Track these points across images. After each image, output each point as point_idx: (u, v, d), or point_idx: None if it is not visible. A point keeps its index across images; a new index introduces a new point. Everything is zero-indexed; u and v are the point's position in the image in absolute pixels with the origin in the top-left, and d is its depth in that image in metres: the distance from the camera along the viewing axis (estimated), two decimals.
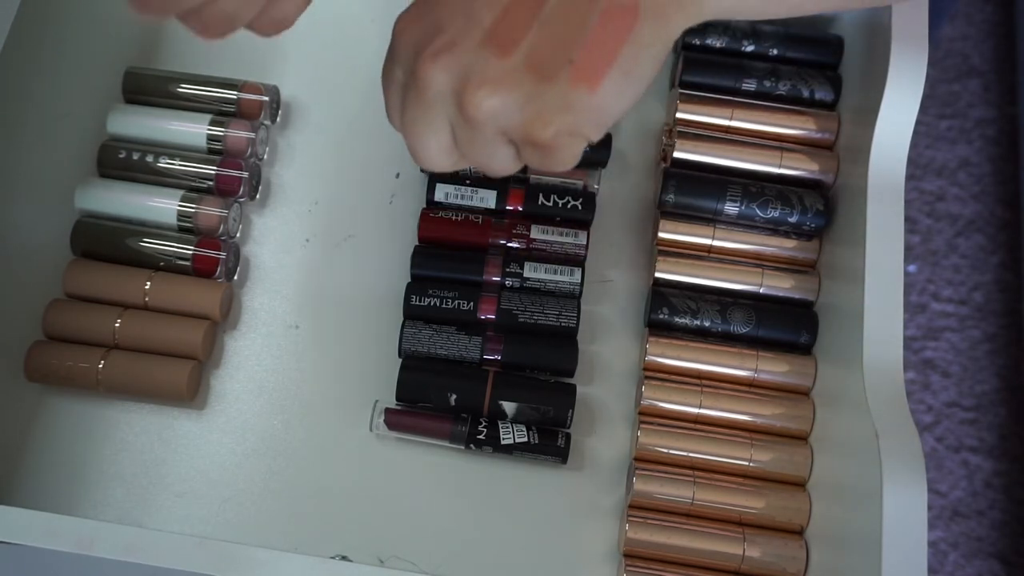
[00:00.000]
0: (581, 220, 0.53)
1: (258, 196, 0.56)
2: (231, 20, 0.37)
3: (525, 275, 0.52)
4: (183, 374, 0.50)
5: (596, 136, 0.35)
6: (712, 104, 0.54)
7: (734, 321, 0.51)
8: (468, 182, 0.53)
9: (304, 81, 0.58)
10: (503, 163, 0.37)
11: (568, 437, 0.50)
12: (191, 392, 0.51)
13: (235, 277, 0.54)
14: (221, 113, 0.55)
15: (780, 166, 0.53)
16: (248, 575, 0.41)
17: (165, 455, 0.51)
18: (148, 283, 0.52)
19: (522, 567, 0.49)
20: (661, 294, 0.52)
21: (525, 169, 0.54)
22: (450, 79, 0.35)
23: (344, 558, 0.49)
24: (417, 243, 0.53)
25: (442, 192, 0.53)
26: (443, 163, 0.38)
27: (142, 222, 0.53)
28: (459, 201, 0.53)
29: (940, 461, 1.19)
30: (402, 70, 0.37)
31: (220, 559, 0.41)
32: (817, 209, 0.52)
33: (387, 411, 0.50)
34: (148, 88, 0.55)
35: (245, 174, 0.54)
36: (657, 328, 0.52)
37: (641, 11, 0.34)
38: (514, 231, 0.53)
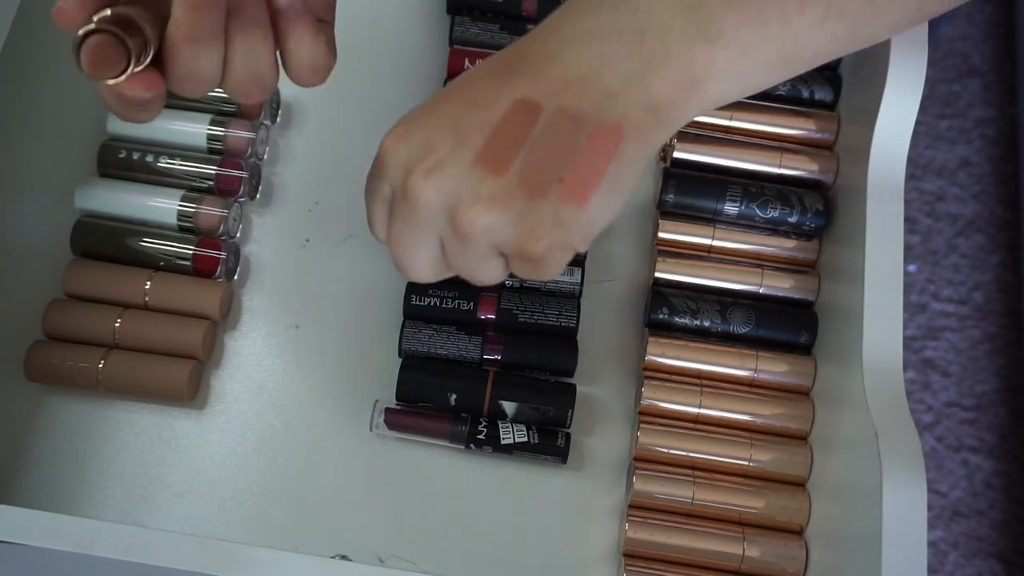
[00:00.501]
0: None
1: (258, 196, 0.56)
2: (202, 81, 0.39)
3: None
4: (183, 374, 0.50)
5: (584, 247, 0.37)
6: None
7: (734, 321, 0.52)
8: None
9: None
10: (492, 274, 0.39)
11: (568, 437, 0.50)
12: (191, 392, 0.51)
13: (235, 277, 0.54)
14: (221, 113, 0.55)
15: (780, 166, 0.53)
16: (248, 575, 0.41)
17: (165, 455, 0.51)
18: (148, 283, 0.52)
19: (522, 567, 0.49)
20: (661, 294, 0.52)
21: None
22: (442, 197, 0.36)
23: (344, 558, 0.49)
24: None
25: None
26: (430, 275, 0.40)
27: (142, 222, 0.53)
28: None
29: (940, 461, 1.19)
30: (390, 186, 0.38)
31: (220, 559, 0.41)
32: (817, 209, 0.52)
33: (387, 411, 0.50)
34: None
35: (245, 174, 0.54)
36: (657, 328, 0.52)
37: (624, 132, 0.36)
38: None
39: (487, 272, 0.39)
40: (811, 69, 0.41)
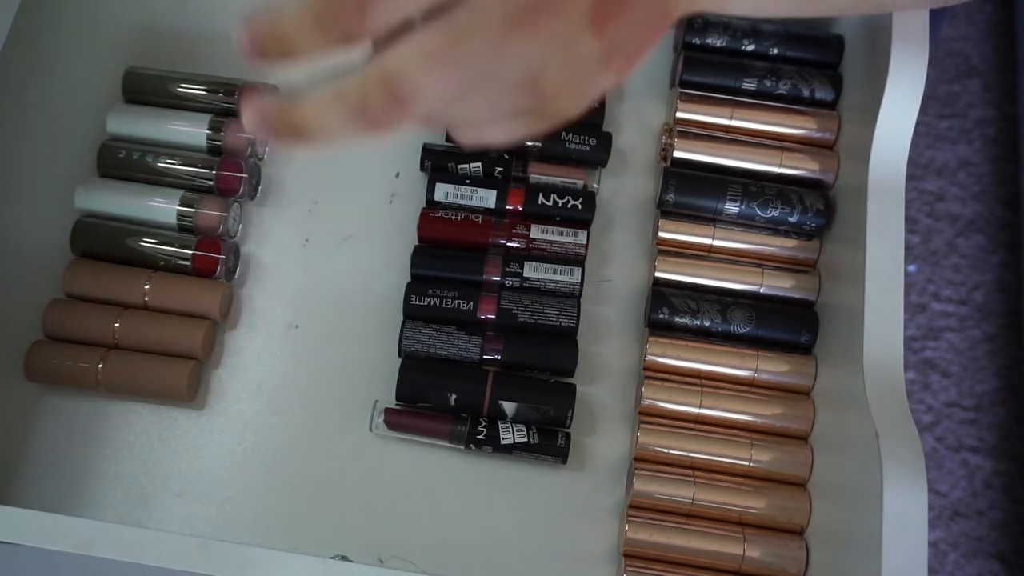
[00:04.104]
0: (581, 220, 0.53)
1: (258, 196, 0.56)
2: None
3: (525, 275, 0.52)
4: (183, 374, 0.50)
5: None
6: (712, 103, 0.54)
7: (734, 321, 0.51)
8: (468, 182, 0.53)
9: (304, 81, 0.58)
10: (502, 133, 0.36)
11: (568, 437, 0.50)
12: (191, 392, 0.51)
13: (235, 277, 0.54)
14: (221, 113, 0.55)
15: (780, 166, 0.53)
16: (248, 575, 0.41)
17: (165, 455, 0.51)
18: (148, 283, 0.52)
19: (522, 567, 0.49)
20: (661, 294, 0.52)
21: (525, 168, 0.54)
22: (545, 48, 0.33)
23: (344, 558, 0.49)
24: (417, 243, 0.53)
25: (442, 192, 0.53)
26: (431, 107, 0.33)
27: (142, 222, 0.53)
28: (459, 201, 0.53)
29: (940, 461, 1.19)
30: (479, 6, 0.31)
31: (220, 559, 0.41)
32: (817, 209, 0.52)
33: (387, 411, 0.50)
34: (148, 88, 0.55)
35: (245, 174, 0.54)
36: (657, 328, 0.52)
37: (672, 19, 0.36)
38: (514, 231, 0.53)
39: (498, 130, 0.36)
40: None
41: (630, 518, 0.48)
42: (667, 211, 0.53)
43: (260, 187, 0.56)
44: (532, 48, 0.33)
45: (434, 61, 0.31)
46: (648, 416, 0.51)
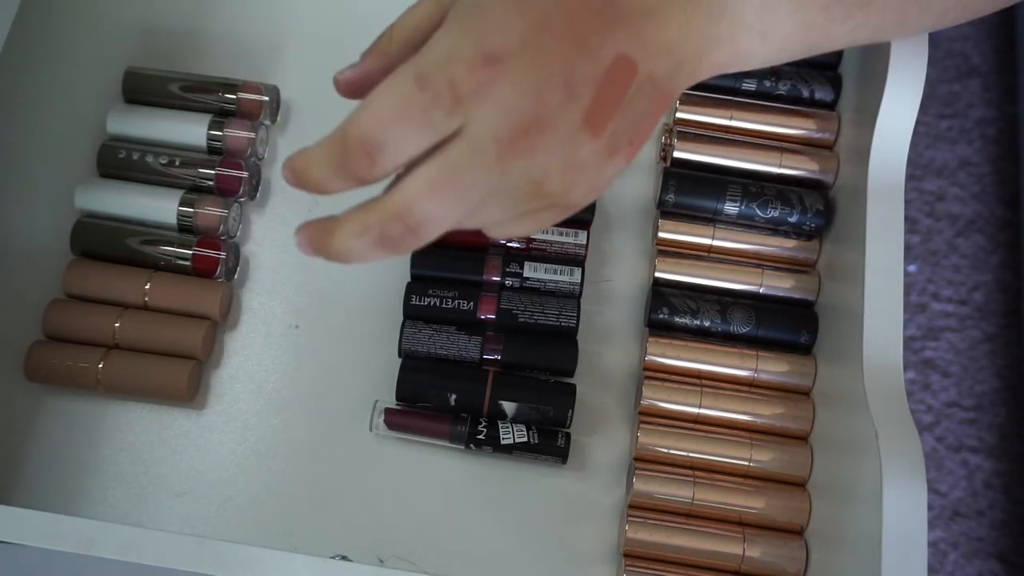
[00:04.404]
0: (581, 220, 0.53)
1: (258, 196, 0.56)
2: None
3: (525, 275, 0.52)
4: (183, 374, 0.50)
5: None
6: (712, 104, 0.54)
7: (734, 321, 0.51)
8: None
9: (304, 81, 0.58)
10: (522, 228, 0.38)
11: (568, 437, 0.50)
12: (191, 392, 0.51)
13: (235, 277, 0.54)
14: (221, 113, 0.55)
15: (780, 166, 0.53)
16: (248, 575, 0.41)
17: (165, 455, 0.51)
18: (148, 283, 0.52)
19: (522, 567, 0.49)
20: (661, 294, 0.52)
21: None
22: (545, 156, 0.34)
23: (344, 558, 0.49)
24: None
25: None
26: (446, 228, 0.36)
27: (142, 222, 0.53)
28: None
29: (940, 461, 1.19)
30: (463, 122, 0.34)
31: (220, 559, 0.41)
32: (817, 209, 0.52)
33: (387, 411, 0.50)
34: (148, 88, 0.55)
35: (245, 174, 0.54)
36: (657, 328, 0.52)
37: (672, 99, 0.38)
38: None
39: (521, 227, 0.38)
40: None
41: (630, 518, 0.48)
42: (667, 211, 0.53)
43: (260, 187, 0.56)
44: (530, 162, 0.34)
45: (437, 192, 0.34)
46: (648, 416, 0.51)
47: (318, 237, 0.37)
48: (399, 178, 0.35)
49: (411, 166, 0.35)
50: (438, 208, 0.34)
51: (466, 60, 0.33)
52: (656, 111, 0.36)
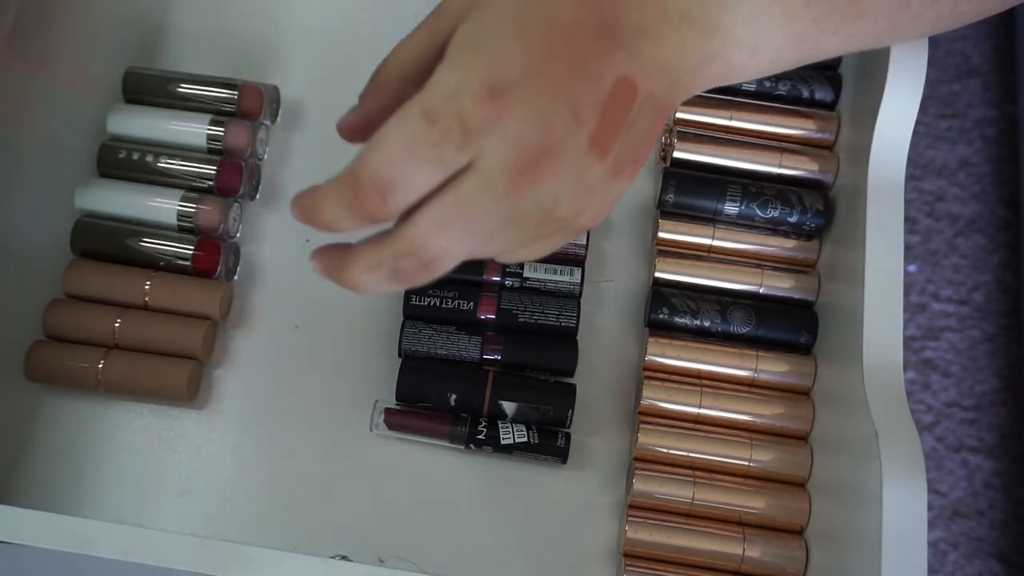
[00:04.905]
0: None
1: (258, 196, 0.56)
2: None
3: (525, 275, 0.52)
4: (183, 374, 0.50)
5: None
6: (712, 104, 0.54)
7: (734, 321, 0.52)
8: None
9: (304, 81, 0.58)
10: (534, 252, 0.38)
11: (568, 437, 0.50)
12: (191, 392, 0.51)
13: (235, 277, 0.54)
14: (221, 113, 0.55)
15: (780, 166, 0.53)
16: (248, 575, 0.41)
17: (165, 455, 0.51)
18: (148, 283, 0.52)
19: (522, 567, 0.49)
20: (661, 294, 0.52)
21: None
22: (554, 184, 0.34)
23: (344, 558, 0.49)
24: None
25: None
26: (460, 259, 0.37)
27: (142, 222, 0.53)
28: None
29: (940, 461, 1.19)
30: (474, 156, 0.33)
31: (220, 559, 0.41)
32: (817, 209, 0.52)
33: (387, 411, 0.50)
34: (148, 88, 0.55)
35: (245, 174, 0.54)
36: (657, 328, 0.52)
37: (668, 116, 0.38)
38: None
39: (531, 252, 0.38)
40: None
41: (630, 518, 0.48)
42: (667, 211, 0.53)
43: (260, 187, 0.56)
44: (540, 190, 0.34)
45: (448, 226, 0.34)
46: (648, 416, 0.51)
47: (332, 267, 0.37)
48: (409, 212, 0.35)
49: (421, 201, 0.35)
50: (451, 243, 0.35)
51: (473, 93, 0.33)
52: (656, 128, 0.37)
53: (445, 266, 0.36)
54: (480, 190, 0.34)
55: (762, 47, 0.38)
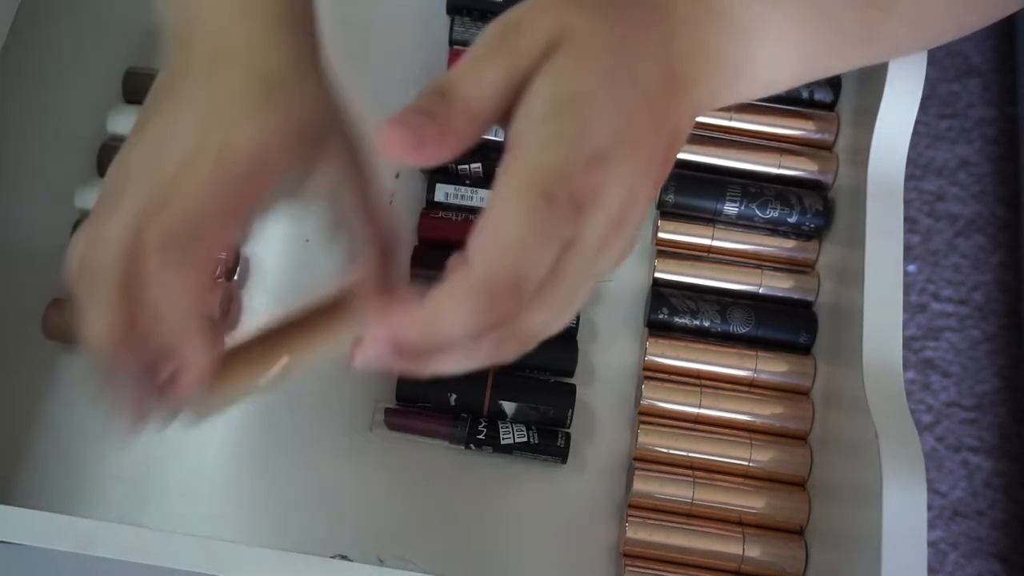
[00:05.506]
0: None
1: None
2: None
3: None
4: None
5: None
6: None
7: (734, 321, 0.51)
8: (468, 182, 0.53)
9: None
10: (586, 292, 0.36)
11: (568, 437, 0.50)
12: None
13: (235, 277, 0.54)
14: None
15: (779, 166, 0.53)
16: (248, 575, 0.41)
17: (165, 455, 0.51)
18: None
19: (522, 567, 0.49)
20: (661, 294, 0.52)
21: None
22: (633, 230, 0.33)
23: (344, 558, 0.49)
24: (417, 243, 0.53)
25: (442, 192, 0.53)
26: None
27: None
28: (459, 201, 0.53)
29: (940, 461, 1.19)
30: (592, 231, 0.31)
31: (220, 559, 0.41)
32: (816, 209, 0.52)
33: (387, 411, 0.50)
34: (148, 88, 0.55)
35: None
36: (657, 328, 0.52)
37: None
38: None
39: (586, 291, 0.35)
40: None
41: (630, 518, 0.48)
42: (666, 211, 0.53)
43: None
44: (618, 244, 0.33)
45: (562, 320, 0.33)
46: (648, 416, 0.51)
47: (413, 361, 0.32)
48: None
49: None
50: (557, 322, 0.33)
51: (581, 166, 0.30)
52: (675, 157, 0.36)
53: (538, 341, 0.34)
54: (586, 267, 0.32)
55: (776, 83, 0.39)
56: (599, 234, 0.32)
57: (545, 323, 0.33)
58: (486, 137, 0.39)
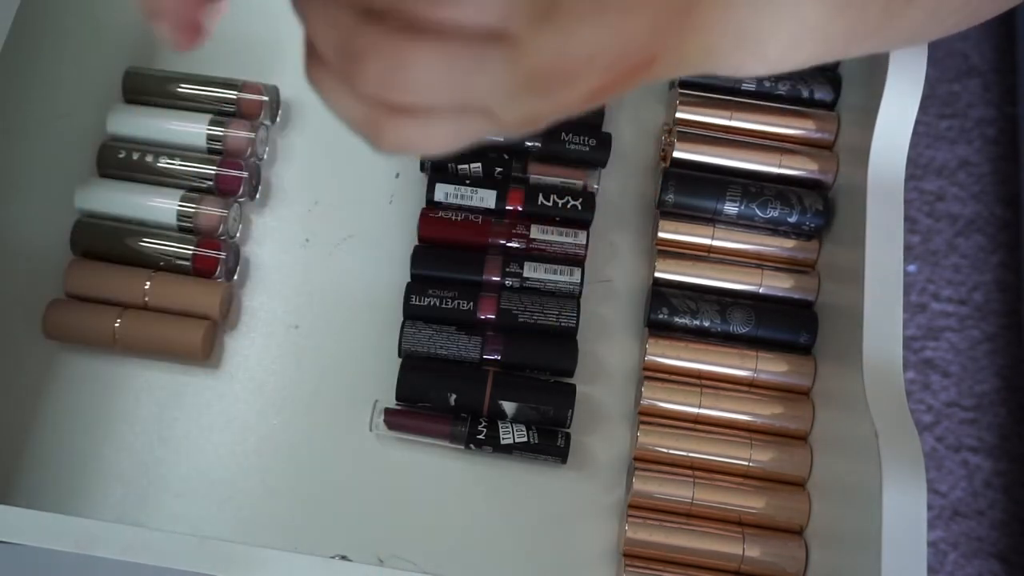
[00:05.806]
0: (581, 220, 0.53)
1: (258, 196, 0.56)
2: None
3: (525, 275, 0.52)
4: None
5: None
6: (711, 104, 0.54)
7: (734, 321, 0.52)
8: (468, 182, 0.53)
9: (304, 81, 0.58)
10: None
11: (568, 437, 0.50)
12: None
13: (235, 277, 0.54)
14: (221, 113, 0.55)
15: (780, 166, 0.53)
16: (248, 575, 0.41)
17: (165, 455, 0.51)
18: (148, 283, 0.52)
19: (522, 567, 0.49)
20: (661, 294, 0.52)
21: (525, 169, 0.54)
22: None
23: (344, 558, 0.49)
24: (417, 243, 0.53)
25: (442, 192, 0.53)
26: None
27: (142, 222, 0.53)
28: (459, 201, 0.53)
29: (940, 461, 1.19)
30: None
31: (220, 559, 0.41)
32: (817, 209, 0.52)
33: (387, 411, 0.50)
34: (148, 88, 0.55)
35: (245, 174, 0.54)
36: (657, 328, 0.52)
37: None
38: (514, 231, 0.53)
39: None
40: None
41: (630, 518, 0.48)
42: (667, 211, 0.53)
43: (260, 187, 0.56)
44: (545, 92, 0.30)
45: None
46: (648, 416, 0.51)
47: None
48: None
49: None
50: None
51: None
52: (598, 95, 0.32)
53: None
54: (496, 69, 0.28)
55: (788, 62, 0.37)
56: (533, 64, 0.28)
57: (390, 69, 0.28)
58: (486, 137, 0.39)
